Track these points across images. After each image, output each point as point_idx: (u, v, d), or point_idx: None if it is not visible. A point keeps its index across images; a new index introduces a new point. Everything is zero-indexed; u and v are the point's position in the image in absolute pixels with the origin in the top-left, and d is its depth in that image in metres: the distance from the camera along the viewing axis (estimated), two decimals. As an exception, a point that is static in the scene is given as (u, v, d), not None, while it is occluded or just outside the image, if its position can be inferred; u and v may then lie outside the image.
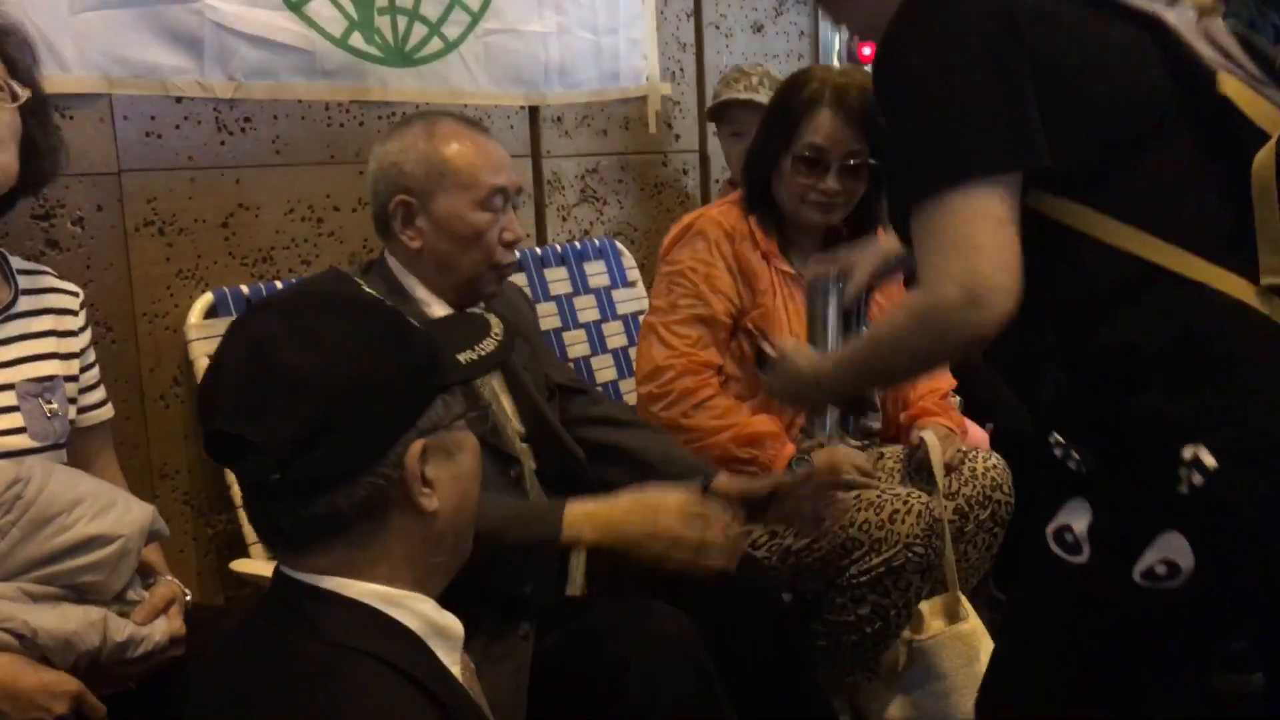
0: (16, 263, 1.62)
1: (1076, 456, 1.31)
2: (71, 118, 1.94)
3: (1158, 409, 1.22)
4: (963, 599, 2.10)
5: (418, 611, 1.05)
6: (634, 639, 1.53)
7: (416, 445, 1.02)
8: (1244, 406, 1.20)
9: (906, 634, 2.10)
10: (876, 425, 2.30)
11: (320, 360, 0.98)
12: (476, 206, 1.73)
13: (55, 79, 1.86)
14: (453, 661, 1.08)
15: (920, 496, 2.00)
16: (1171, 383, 1.22)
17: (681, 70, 3.15)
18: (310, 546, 1.03)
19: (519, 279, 2.60)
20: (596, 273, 2.78)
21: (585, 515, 1.61)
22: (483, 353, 1.11)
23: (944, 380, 2.36)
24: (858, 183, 2.12)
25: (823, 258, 1.82)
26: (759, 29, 3.39)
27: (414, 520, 1.04)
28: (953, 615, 2.09)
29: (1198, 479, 1.19)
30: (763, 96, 2.82)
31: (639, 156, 3.05)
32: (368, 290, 1.11)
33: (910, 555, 1.95)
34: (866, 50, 3.64)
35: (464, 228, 1.72)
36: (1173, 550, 1.21)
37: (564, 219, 2.87)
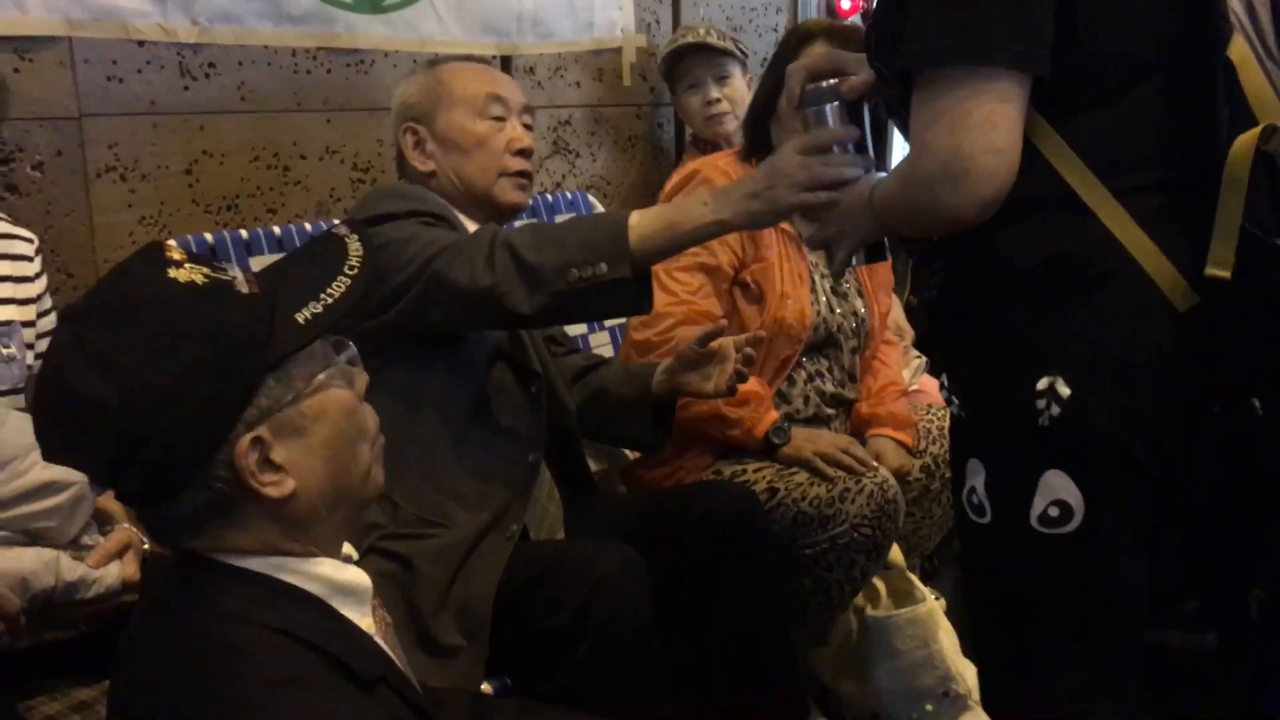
0: (-30, 208, 1.61)
1: (956, 401, 1.32)
2: (31, 60, 1.92)
3: (1015, 334, 1.22)
4: (915, 580, 2.12)
5: (315, 575, 1.04)
6: (582, 573, 1.56)
7: (243, 441, 0.98)
8: (1098, 333, 1.20)
9: (862, 603, 2.12)
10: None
11: (107, 386, 0.94)
12: (476, 116, 1.80)
13: (13, 20, 1.85)
14: (362, 615, 1.07)
15: (875, 476, 2.00)
16: (1032, 305, 1.22)
17: (658, 22, 3.12)
18: (180, 535, 1.02)
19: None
20: (568, 225, 2.77)
21: (689, 199, 1.59)
22: (328, 300, 1.03)
23: (900, 375, 2.37)
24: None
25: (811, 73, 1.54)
26: (737, -19, 3.36)
27: (272, 505, 1.01)
28: (906, 597, 2.10)
29: (1055, 409, 1.20)
30: (714, 39, 2.80)
31: (613, 109, 3.03)
32: (174, 275, 0.99)
33: (856, 535, 1.95)
34: (845, 3, 3.61)
35: (466, 137, 1.80)
36: (1058, 490, 1.22)
37: (536, 171, 2.85)
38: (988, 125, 1.14)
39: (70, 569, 1.42)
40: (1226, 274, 1.16)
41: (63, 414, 0.97)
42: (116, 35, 2.00)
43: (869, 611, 2.09)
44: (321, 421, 1.03)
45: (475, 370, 1.74)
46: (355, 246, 1.08)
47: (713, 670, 1.80)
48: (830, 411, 2.23)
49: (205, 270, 1.00)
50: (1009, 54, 1.14)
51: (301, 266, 1.09)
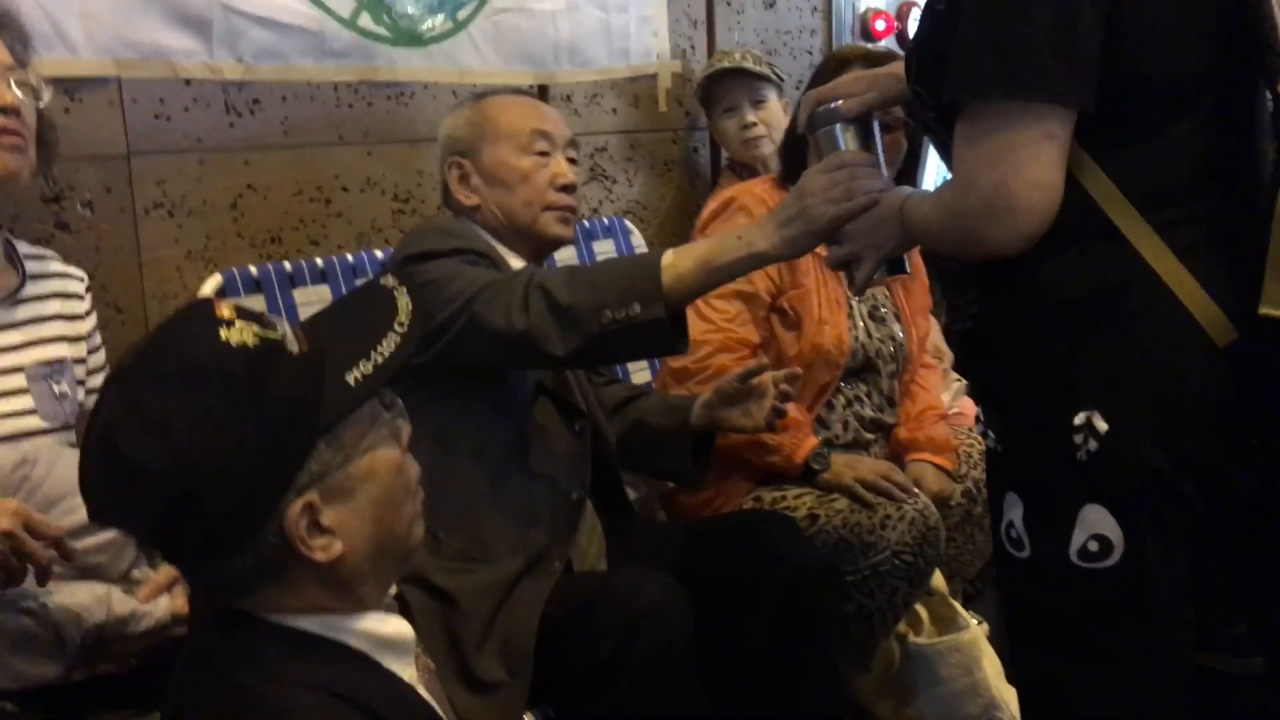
0: (23, 247, 1.64)
1: (992, 434, 1.32)
2: (81, 101, 1.96)
3: (1052, 367, 1.22)
4: (958, 607, 2.12)
5: (360, 630, 1.04)
6: (624, 605, 1.57)
7: (295, 507, 0.97)
8: (1135, 367, 1.20)
9: (904, 630, 2.11)
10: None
11: (161, 452, 0.93)
12: (520, 151, 1.81)
13: (63, 62, 1.89)
14: (405, 666, 1.07)
15: (916, 503, 2.00)
16: (1069, 338, 1.22)
17: (693, 48, 3.13)
18: (230, 593, 1.02)
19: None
20: (605, 252, 2.78)
21: (723, 234, 1.57)
22: (378, 360, 1.02)
23: (939, 399, 2.36)
24: (892, 137, 2.08)
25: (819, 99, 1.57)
26: (771, 4, 3.37)
27: (319, 568, 1.00)
28: (949, 624, 2.09)
29: (1093, 444, 1.20)
30: (750, 64, 2.82)
31: (649, 135, 3.05)
32: (225, 336, 0.98)
33: (898, 562, 1.95)
34: (880, 25, 3.61)
35: (510, 173, 1.81)
36: (1098, 524, 1.22)
37: (579, 205, 2.88)
38: (1033, 161, 1.15)
39: (121, 603, 1.44)
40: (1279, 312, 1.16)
41: (113, 477, 0.96)
42: (164, 75, 2.04)
43: (911, 639, 2.08)
44: (370, 482, 1.02)
45: (517, 408, 1.74)
46: (405, 302, 1.07)
47: (755, 698, 1.80)
48: (869, 436, 2.23)
49: (255, 329, 0.99)
50: (1056, 89, 1.14)
51: (349, 320, 1.09)
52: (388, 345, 1.03)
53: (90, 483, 0.98)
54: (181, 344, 0.99)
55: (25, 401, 1.53)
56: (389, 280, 1.11)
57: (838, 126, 1.51)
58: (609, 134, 2.94)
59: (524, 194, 1.80)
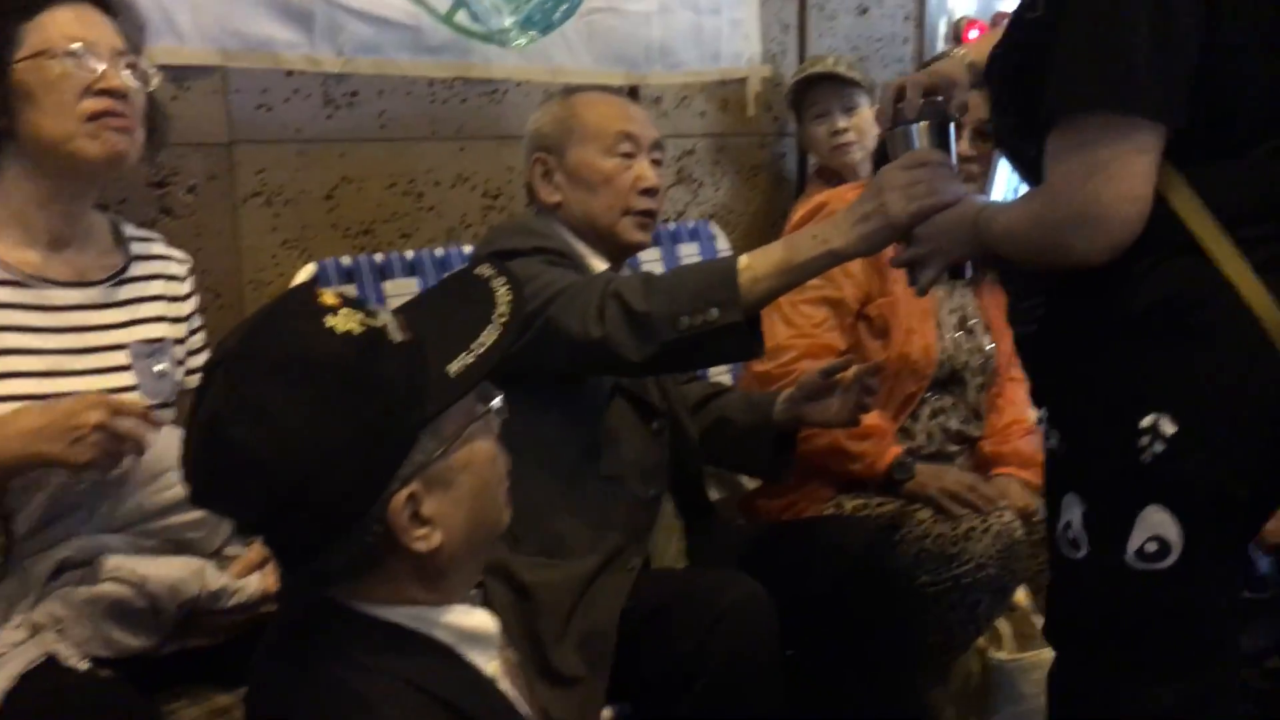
0: (129, 229, 1.68)
1: (1055, 436, 1.34)
2: (188, 89, 2.01)
3: (1121, 371, 1.25)
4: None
5: (445, 624, 1.04)
6: (706, 604, 1.56)
7: (399, 497, 0.97)
8: (1206, 375, 1.22)
9: (984, 645, 2.08)
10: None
11: (269, 442, 0.93)
12: (604, 153, 1.80)
13: (172, 50, 1.94)
14: (488, 660, 1.07)
15: (1002, 516, 1.96)
16: (1140, 344, 1.24)
17: (784, 52, 3.12)
18: (327, 582, 1.02)
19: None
20: (690, 255, 2.78)
21: (797, 234, 1.56)
22: (480, 350, 1.01)
23: (1026, 413, 2.32)
24: (988, 146, 2.07)
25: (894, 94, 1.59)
26: (864, 11, 3.35)
27: (417, 557, 1.00)
28: (1032, 640, 2.05)
29: (1159, 447, 1.22)
30: (843, 70, 2.80)
31: (737, 139, 3.04)
32: (331, 324, 0.97)
33: (981, 575, 1.92)
34: (973, 34, 3.57)
35: (593, 174, 1.80)
36: (1157, 526, 1.24)
37: (661, 209, 2.88)
38: (1126, 174, 1.18)
39: (214, 578, 1.47)
40: None
41: (219, 465, 0.96)
42: (267, 65, 2.08)
43: (992, 653, 2.05)
44: (468, 472, 1.03)
45: (594, 408, 1.74)
46: (504, 292, 1.07)
47: (830, 705, 1.78)
48: (954, 449, 2.20)
49: (359, 317, 0.99)
50: (1153, 105, 1.18)
51: (448, 309, 1.09)
52: (488, 336, 1.02)
53: (194, 468, 0.99)
54: (287, 332, 0.98)
55: (128, 378, 1.57)
56: (485, 270, 1.11)
57: (914, 126, 1.52)
58: (697, 137, 2.94)
59: (606, 196, 1.80)
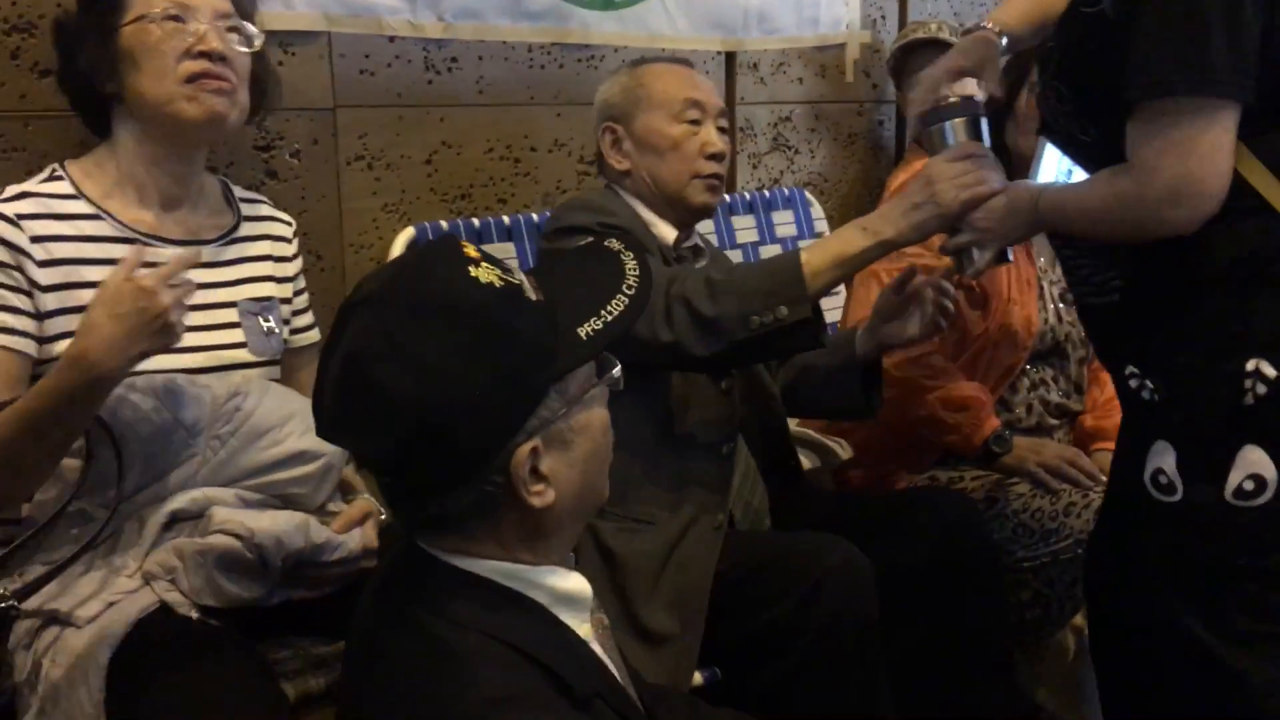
0: (238, 191, 1.72)
1: (1150, 385, 1.40)
2: (293, 54, 2.04)
3: (1218, 321, 1.34)
4: None
5: (542, 584, 1.06)
6: (805, 568, 1.57)
7: (524, 449, 1.00)
8: None
9: (1080, 623, 2.04)
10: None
11: (412, 379, 0.96)
12: (672, 120, 1.84)
13: (279, 15, 1.97)
14: (580, 622, 1.09)
15: (1102, 490, 1.92)
16: (1231, 296, 1.34)
17: (884, 18, 3.07)
18: (430, 532, 1.05)
19: (703, 225, 2.61)
20: (784, 222, 2.76)
21: (845, 228, 1.62)
22: (609, 318, 1.04)
23: None
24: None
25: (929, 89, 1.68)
26: (966, -24, 3.28)
27: (528, 513, 1.03)
28: None
29: (1261, 389, 1.31)
30: (946, 35, 2.74)
31: (834, 105, 3.00)
32: (475, 274, 1.01)
33: (1080, 552, 1.88)
34: (1081, 0, 3.47)
35: (662, 140, 1.83)
36: (1255, 464, 1.33)
37: (754, 167, 2.86)
38: (1214, 151, 1.29)
39: (318, 532, 1.50)
40: None
41: (360, 400, 0.98)
42: (371, 30, 2.11)
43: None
44: (584, 435, 1.05)
45: (664, 380, 1.75)
46: (632, 265, 1.10)
47: (923, 675, 1.77)
48: (1054, 422, 2.16)
49: (499, 272, 1.02)
50: (1233, 87, 1.28)
51: (578, 277, 1.12)
52: (616, 306, 1.06)
53: (328, 401, 1.01)
54: (434, 277, 1.01)
55: (237, 335, 1.61)
56: (613, 244, 1.14)
57: (948, 123, 1.62)
58: (794, 104, 2.91)
59: (674, 161, 1.83)
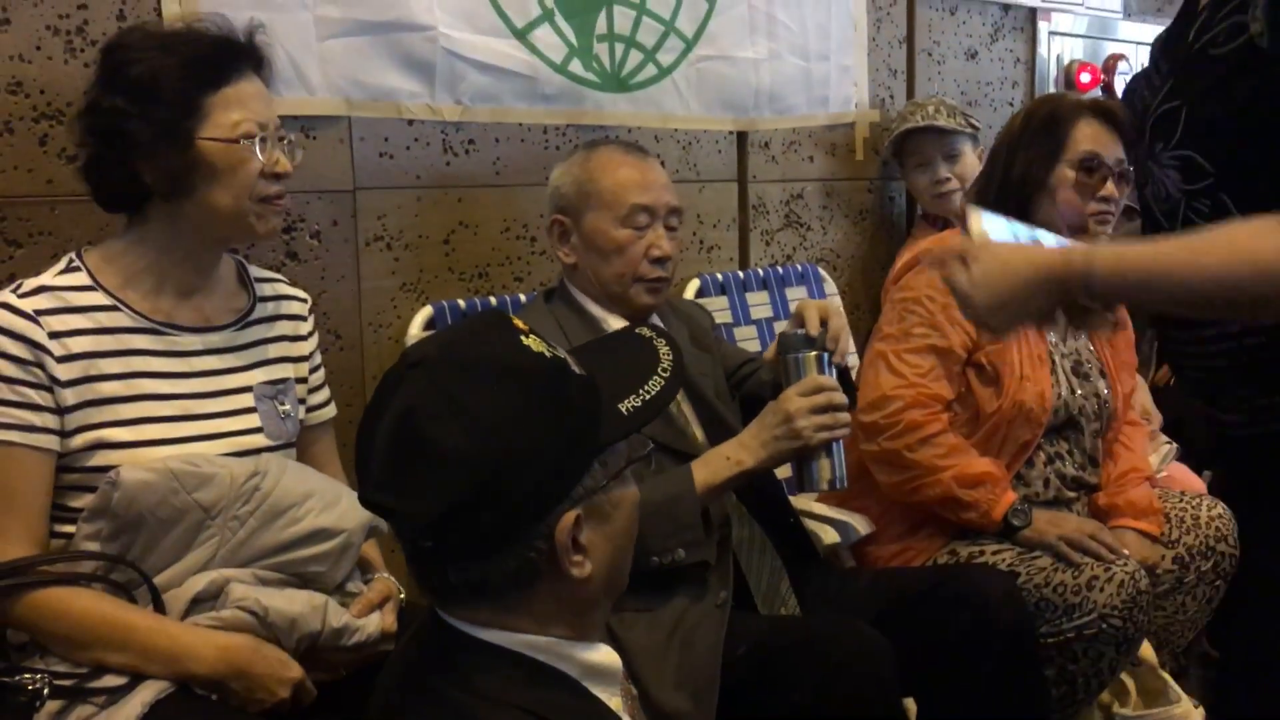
0: (254, 270, 1.73)
1: None
2: (315, 138, 2.08)
3: None
4: (1169, 679, 2.00)
5: (573, 658, 1.06)
6: (824, 652, 1.55)
7: (569, 517, 1.00)
8: None
9: (1108, 699, 2.01)
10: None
11: (468, 437, 0.97)
12: (618, 223, 1.84)
13: (301, 101, 2.01)
14: (611, 695, 1.09)
15: (1126, 565, 1.91)
16: None
17: (892, 97, 3.12)
18: (463, 603, 1.04)
19: (718, 301, 2.63)
20: (798, 298, 2.78)
21: (710, 455, 1.71)
22: (647, 396, 1.08)
23: (1145, 460, 2.26)
24: (1126, 188, 2.04)
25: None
26: (973, 55, 3.33)
27: (565, 585, 1.03)
28: (1158, 696, 1.98)
29: None
30: (942, 120, 2.78)
31: (845, 183, 3.04)
32: (526, 343, 1.04)
33: (1105, 626, 1.87)
34: (1085, 77, 3.52)
35: (606, 242, 1.84)
36: None
37: (767, 243, 2.89)
38: None
39: (336, 615, 1.49)
40: None
41: (414, 458, 0.99)
42: (390, 115, 2.15)
43: (1117, 709, 1.99)
44: (619, 510, 1.07)
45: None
46: (665, 351, 1.14)
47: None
48: (1071, 494, 2.15)
49: (546, 344, 1.05)
50: None
51: (614, 358, 1.15)
52: (654, 385, 1.09)
53: (377, 462, 1.01)
54: (490, 342, 1.05)
55: (253, 420, 1.61)
56: (645, 331, 1.19)
57: (801, 355, 1.73)
58: (805, 181, 2.95)
59: (618, 264, 1.84)
